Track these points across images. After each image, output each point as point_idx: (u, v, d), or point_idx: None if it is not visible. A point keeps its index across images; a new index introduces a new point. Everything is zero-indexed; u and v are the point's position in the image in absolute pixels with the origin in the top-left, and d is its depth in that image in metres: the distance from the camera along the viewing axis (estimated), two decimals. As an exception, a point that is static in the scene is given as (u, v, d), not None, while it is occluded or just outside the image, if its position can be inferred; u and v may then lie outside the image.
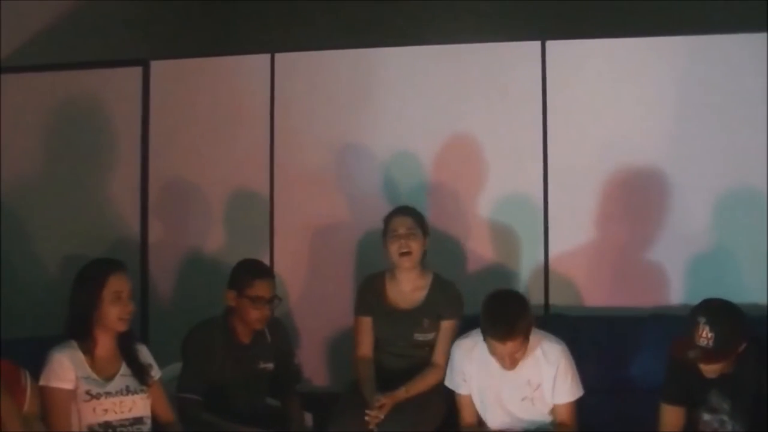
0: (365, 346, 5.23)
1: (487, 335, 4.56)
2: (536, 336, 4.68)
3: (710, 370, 4.31)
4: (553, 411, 4.74)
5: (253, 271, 5.03)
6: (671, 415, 4.50)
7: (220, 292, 5.03)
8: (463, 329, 5.08)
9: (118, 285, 4.36)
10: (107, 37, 7.03)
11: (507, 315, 4.53)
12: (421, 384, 5.06)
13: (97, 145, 6.48)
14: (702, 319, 4.23)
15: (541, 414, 4.75)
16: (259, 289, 4.93)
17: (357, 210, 6.03)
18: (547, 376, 4.68)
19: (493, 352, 4.60)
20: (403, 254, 5.16)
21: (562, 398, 4.70)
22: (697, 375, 4.35)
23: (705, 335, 4.22)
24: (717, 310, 4.28)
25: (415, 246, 5.17)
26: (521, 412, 4.75)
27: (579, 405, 4.74)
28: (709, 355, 4.23)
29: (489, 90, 5.91)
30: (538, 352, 4.68)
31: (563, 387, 4.69)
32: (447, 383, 4.92)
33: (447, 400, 5.05)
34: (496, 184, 5.88)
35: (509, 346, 4.51)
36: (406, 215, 5.24)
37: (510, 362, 4.60)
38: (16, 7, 6.56)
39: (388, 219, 5.26)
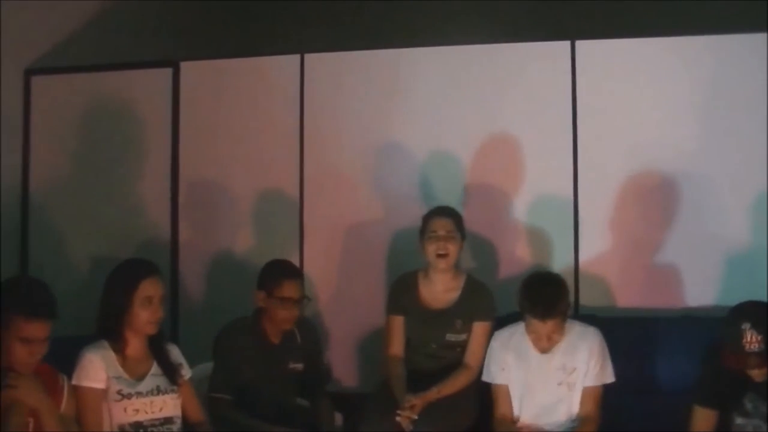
0: (397, 346, 5.23)
1: (527, 313, 4.64)
2: (571, 322, 4.77)
3: (761, 373, 4.29)
4: (581, 398, 4.75)
5: (281, 272, 5.04)
6: (703, 418, 4.47)
7: (250, 292, 5.04)
8: (496, 329, 5.08)
9: (150, 290, 4.35)
10: (137, 38, 7.07)
11: (548, 294, 4.64)
12: (453, 384, 5.05)
13: (127, 147, 6.50)
14: (746, 325, 4.20)
15: (574, 406, 4.76)
16: (288, 289, 4.94)
17: (387, 210, 6.02)
18: (582, 359, 4.73)
19: (532, 331, 4.68)
20: (440, 256, 5.15)
21: (591, 380, 4.73)
22: (733, 378, 4.32)
23: (753, 340, 4.18)
24: (758, 313, 4.25)
25: (453, 248, 5.17)
26: (556, 400, 4.77)
27: (608, 405, 4.75)
28: (764, 358, 4.21)
29: (519, 90, 5.88)
30: (573, 336, 4.75)
31: (594, 370, 4.74)
32: (484, 377, 4.94)
33: (479, 402, 5.05)
34: (528, 184, 5.86)
35: (549, 325, 4.61)
36: (447, 217, 5.23)
37: (547, 342, 4.67)
38: (46, 9, 6.59)
39: (427, 218, 5.26)
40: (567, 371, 4.75)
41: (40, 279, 4.14)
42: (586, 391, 4.75)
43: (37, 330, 3.85)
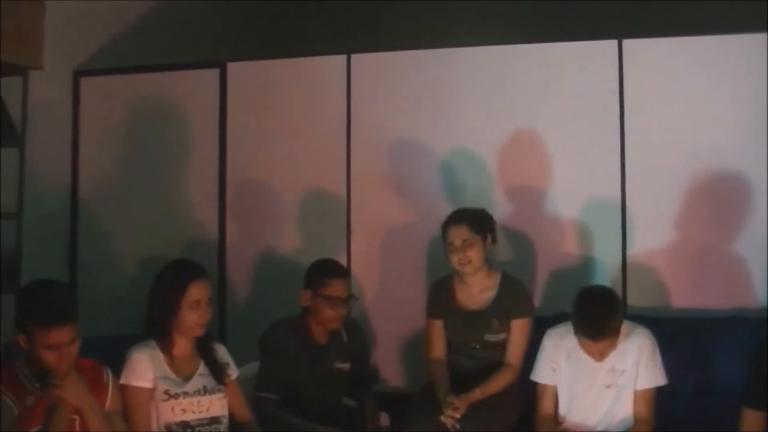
0: (438, 349, 5.21)
1: (579, 334, 4.60)
2: (623, 325, 4.69)
3: None
4: (634, 400, 4.71)
5: (328, 271, 5.05)
6: (753, 420, 4.43)
7: (296, 291, 5.05)
8: (536, 329, 5.07)
9: (198, 293, 4.36)
10: (184, 39, 7.12)
11: (599, 315, 4.55)
12: (495, 384, 5.02)
13: (175, 147, 6.54)
14: None
15: (623, 409, 4.72)
16: (334, 288, 4.95)
17: (428, 210, 6.00)
18: (632, 361, 4.68)
19: (584, 348, 4.64)
20: (462, 265, 5.12)
21: (643, 383, 4.68)
22: None
23: None
24: None
25: (474, 254, 5.10)
26: (604, 402, 4.73)
27: (658, 407, 4.70)
28: None
29: (565, 89, 5.85)
30: (623, 338, 4.68)
31: (646, 372, 4.69)
32: (532, 376, 4.90)
33: (522, 401, 5.04)
34: (573, 184, 5.82)
35: (601, 344, 4.57)
36: (461, 224, 5.13)
37: (600, 357, 4.65)
38: (94, 10, 6.64)
39: (443, 228, 5.19)
40: (616, 373, 4.70)
41: (56, 280, 4.14)
42: (638, 395, 4.70)
43: (59, 336, 3.84)
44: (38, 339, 3.82)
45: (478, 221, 5.16)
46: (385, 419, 5.30)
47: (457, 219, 5.16)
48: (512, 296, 5.17)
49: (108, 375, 4.15)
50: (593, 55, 5.83)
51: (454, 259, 5.11)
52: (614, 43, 5.77)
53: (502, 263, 5.43)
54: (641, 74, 5.74)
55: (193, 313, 4.34)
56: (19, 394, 3.88)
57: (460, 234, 5.10)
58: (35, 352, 3.86)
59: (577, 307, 4.61)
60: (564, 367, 4.80)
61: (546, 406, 4.86)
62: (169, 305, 4.33)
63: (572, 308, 4.63)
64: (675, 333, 5.32)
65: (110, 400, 4.11)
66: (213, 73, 6.46)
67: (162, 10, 7.15)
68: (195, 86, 6.52)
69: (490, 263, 5.23)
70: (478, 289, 5.20)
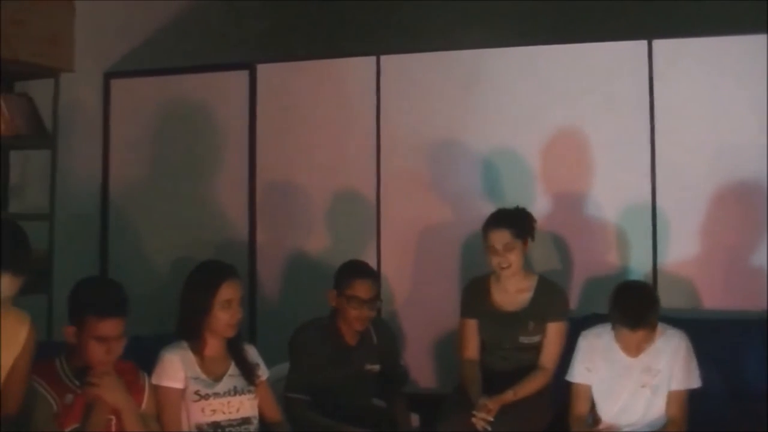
0: (471, 349, 5.20)
1: (617, 324, 4.58)
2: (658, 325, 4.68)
3: None
4: (666, 401, 4.69)
5: (353, 272, 5.05)
6: None
7: (326, 293, 5.05)
8: (572, 330, 5.05)
9: (229, 293, 4.38)
10: (214, 41, 7.14)
11: (638, 304, 4.57)
12: (529, 387, 5.01)
13: (204, 148, 6.56)
14: None
15: (656, 409, 4.70)
16: (358, 289, 4.95)
17: (461, 210, 6.00)
18: (667, 361, 4.67)
19: (621, 340, 4.62)
20: (503, 268, 5.12)
21: (677, 384, 4.66)
22: None
23: None
24: None
25: (514, 258, 5.09)
26: (640, 403, 4.71)
27: (691, 410, 4.68)
28: None
29: (595, 90, 5.83)
30: (659, 339, 4.67)
31: (680, 373, 4.67)
32: (567, 376, 4.88)
33: (555, 403, 5.02)
34: (603, 185, 5.80)
35: (639, 334, 4.55)
36: (501, 227, 5.11)
37: (636, 351, 4.63)
38: (124, 13, 6.68)
39: (484, 230, 5.17)
40: (651, 373, 4.68)
41: (112, 278, 4.20)
42: (671, 396, 4.68)
43: (111, 328, 3.91)
44: (90, 329, 3.89)
45: (520, 224, 5.15)
46: (415, 420, 5.29)
47: (498, 222, 5.14)
48: (549, 298, 5.16)
49: (144, 378, 4.20)
50: (623, 56, 5.80)
51: (494, 261, 5.10)
52: (644, 43, 5.75)
53: (534, 263, 5.42)
54: (671, 75, 5.71)
55: (225, 313, 4.35)
56: (58, 390, 3.92)
57: (501, 238, 5.09)
58: (83, 345, 3.92)
59: (615, 297, 4.62)
60: (599, 366, 4.78)
61: (580, 407, 4.84)
62: (200, 305, 4.35)
63: (610, 301, 4.62)
64: (707, 335, 5.28)
65: (146, 403, 4.14)
66: (242, 75, 6.48)
67: (192, 12, 7.18)
68: (225, 88, 6.54)
69: (527, 266, 5.23)
70: (514, 290, 5.19)
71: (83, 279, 4.16)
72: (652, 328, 4.59)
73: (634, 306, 4.56)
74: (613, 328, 4.63)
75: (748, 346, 5.33)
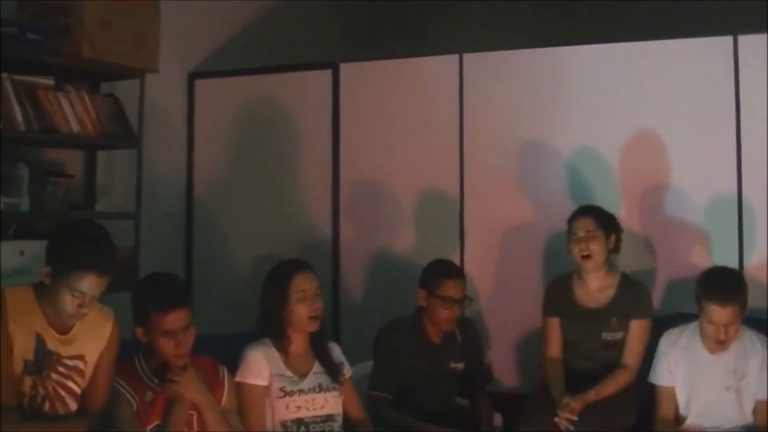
0: (554, 348, 5.18)
1: (706, 300, 4.53)
2: (743, 327, 4.62)
3: None
4: (754, 409, 4.61)
5: (443, 271, 5.05)
6: None
7: (410, 291, 5.06)
8: (654, 330, 4.99)
9: (302, 284, 4.42)
10: (297, 41, 7.17)
11: (727, 280, 4.59)
12: (611, 385, 4.97)
13: (288, 148, 6.59)
14: None
15: (743, 412, 4.62)
16: (449, 289, 4.95)
17: (544, 210, 5.95)
18: (753, 366, 4.59)
19: (709, 321, 4.54)
20: (584, 257, 5.09)
21: (764, 392, 4.57)
22: None
23: None
24: None
25: (596, 248, 5.08)
26: (723, 405, 4.64)
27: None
28: None
29: (678, 87, 5.74)
30: (746, 340, 4.62)
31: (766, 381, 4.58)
32: (650, 378, 4.84)
33: (639, 402, 4.97)
34: (688, 183, 5.71)
35: (728, 310, 4.48)
36: (586, 216, 5.15)
37: (724, 335, 4.53)
38: (207, 14, 6.74)
39: (570, 220, 5.20)
40: (737, 376, 4.61)
41: (169, 272, 4.23)
42: (758, 405, 4.61)
43: (175, 320, 3.95)
44: (156, 325, 3.94)
45: (604, 217, 5.16)
46: (498, 419, 5.28)
47: (584, 211, 5.20)
48: (632, 295, 5.12)
49: (224, 373, 4.23)
50: (706, 52, 5.71)
51: (575, 249, 5.10)
52: (729, 39, 5.65)
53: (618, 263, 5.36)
54: (757, 70, 5.61)
55: (302, 305, 4.39)
56: (138, 389, 3.98)
57: (584, 225, 5.10)
58: (153, 343, 3.97)
59: (705, 275, 4.64)
60: (681, 366, 4.73)
61: (665, 409, 4.78)
62: (277, 300, 4.41)
63: (698, 284, 4.61)
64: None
65: (226, 398, 4.18)
66: (326, 74, 6.48)
67: (274, 12, 7.22)
68: (308, 87, 6.56)
69: (610, 264, 5.19)
70: (597, 288, 5.16)
71: (141, 279, 4.23)
72: (741, 307, 4.52)
73: (723, 281, 4.57)
74: (701, 310, 4.56)
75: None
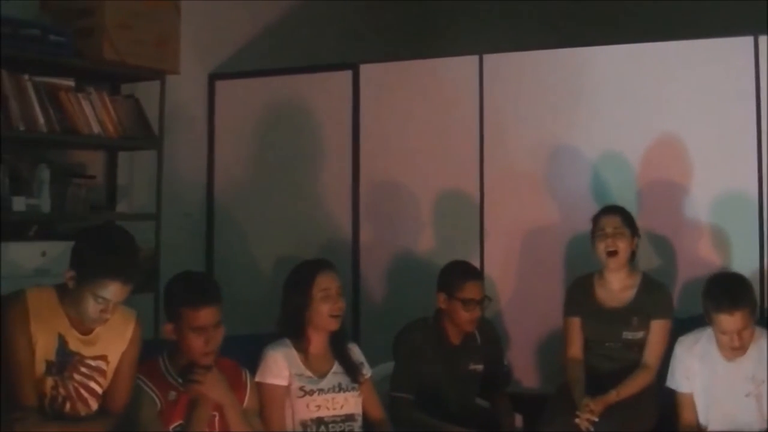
0: (575, 348, 5.17)
1: (713, 311, 4.48)
2: (761, 330, 4.58)
3: None
4: None
5: (463, 273, 5.06)
6: None
7: (430, 292, 5.06)
8: (674, 332, 4.97)
9: (326, 283, 4.45)
10: (317, 42, 7.18)
11: (732, 286, 4.51)
12: (632, 386, 4.95)
13: (309, 149, 6.59)
14: None
15: (763, 417, 4.56)
16: (470, 291, 4.96)
17: (566, 211, 5.94)
18: None
19: (721, 330, 4.49)
20: (609, 254, 5.09)
21: None
22: None
23: None
24: None
25: (622, 245, 5.09)
26: (744, 411, 4.59)
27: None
28: None
29: (698, 88, 5.71)
30: (763, 344, 4.56)
31: None
32: (668, 383, 4.82)
33: (660, 403, 4.96)
34: (707, 184, 5.68)
35: (737, 317, 4.42)
36: (614, 214, 5.17)
37: (738, 341, 4.47)
38: (228, 15, 6.75)
39: (596, 218, 5.21)
40: (756, 382, 4.56)
41: (200, 271, 4.26)
42: None
43: (206, 317, 3.96)
44: (187, 321, 3.95)
45: (630, 218, 5.18)
46: (518, 420, 5.27)
47: (611, 209, 5.22)
48: (653, 296, 5.11)
49: (246, 374, 4.25)
50: (727, 52, 5.68)
51: (601, 246, 5.10)
52: (749, 39, 5.62)
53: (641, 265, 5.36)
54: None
55: (325, 304, 4.42)
56: (162, 388, 3.99)
57: (612, 222, 5.12)
58: (183, 340, 3.99)
59: (709, 284, 4.58)
60: (698, 371, 4.69)
61: (687, 416, 4.75)
62: (300, 300, 4.43)
63: (703, 295, 4.56)
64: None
65: (248, 399, 4.19)
66: (346, 75, 6.49)
67: (295, 13, 7.23)
68: (328, 88, 6.56)
69: (632, 264, 5.19)
70: (618, 287, 5.16)
71: (173, 276, 4.22)
72: (751, 310, 4.47)
73: (727, 287, 4.50)
74: (711, 321, 4.52)
75: None
